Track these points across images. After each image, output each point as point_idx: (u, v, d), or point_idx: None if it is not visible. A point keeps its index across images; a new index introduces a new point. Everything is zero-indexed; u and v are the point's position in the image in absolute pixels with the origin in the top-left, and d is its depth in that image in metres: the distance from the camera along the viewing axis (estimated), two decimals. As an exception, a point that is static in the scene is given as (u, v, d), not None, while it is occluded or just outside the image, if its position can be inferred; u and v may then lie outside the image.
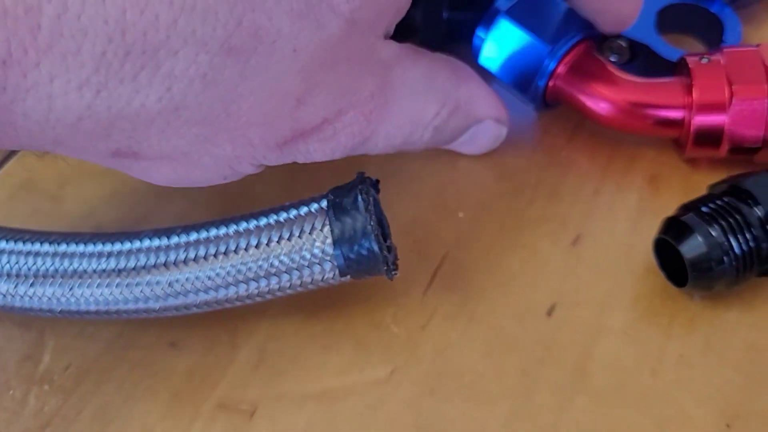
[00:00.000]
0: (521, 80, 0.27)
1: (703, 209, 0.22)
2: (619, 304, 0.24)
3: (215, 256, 0.21)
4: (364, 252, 0.20)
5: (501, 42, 0.26)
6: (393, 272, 0.21)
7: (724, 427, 0.21)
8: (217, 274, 0.21)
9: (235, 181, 0.21)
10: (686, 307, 0.23)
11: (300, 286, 0.21)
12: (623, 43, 0.29)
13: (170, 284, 0.21)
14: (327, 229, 0.20)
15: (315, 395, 0.22)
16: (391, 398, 0.22)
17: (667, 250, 0.23)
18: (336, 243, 0.20)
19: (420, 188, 0.27)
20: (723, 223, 0.21)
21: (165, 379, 0.23)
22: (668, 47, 0.28)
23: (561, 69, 0.26)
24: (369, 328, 0.24)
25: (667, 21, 0.29)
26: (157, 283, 0.21)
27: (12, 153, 0.28)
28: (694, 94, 0.25)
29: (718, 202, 0.22)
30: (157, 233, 0.22)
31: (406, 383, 0.23)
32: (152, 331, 0.24)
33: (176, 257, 0.21)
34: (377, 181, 0.22)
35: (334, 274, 0.21)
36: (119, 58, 0.15)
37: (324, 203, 0.21)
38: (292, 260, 0.21)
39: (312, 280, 0.21)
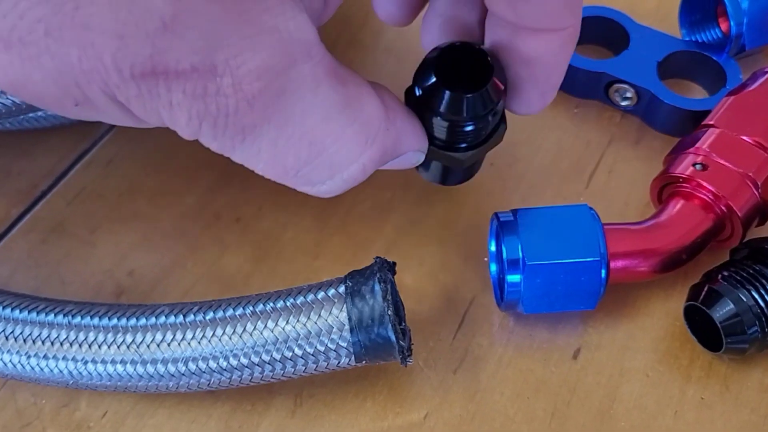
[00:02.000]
0: (582, 301, 0.24)
1: (730, 275, 0.23)
2: (639, 347, 0.25)
3: (230, 337, 0.21)
4: (381, 340, 0.21)
5: (543, 284, 0.23)
6: (408, 359, 0.22)
7: (745, 467, 0.22)
8: (234, 355, 0.21)
9: (265, 229, 0.21)
10: (704, 351, 0.24)
11: (315, 370, 0.21)
12: (629, 88, 0.30)
13: (185, 363, 0.21)
14: (344, 315, 0.21)
15: (352, 440, 0.23)
16: (426, 442, 0.23)
17: (695, 316, 0.24)
18: (353, 330, 0.21)
19: (446, 234, 0.27)
20: (751, 287, 0.23)
21: (203, 426, 0.23)
22: (670, 93, 0.29)
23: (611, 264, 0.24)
24: (402, 372, 0.24)
25: (671, 67, 0.31)
26: (173, 360, 0.21)
27: (41, 196, 0.28)
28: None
29: (745, 267, 0.23)
30: (173, 310, 0.22)
31: (439, 427, 0.23)
32: (188, 377, 0.24)
33: (193, 335, 0.21)
34: (394, 264, 0.22)
35: (349, 360, 0.21)
36: None
37: (342, 289, 0.21)
38: (310, 344, 0.21)
39: (327, 365, 0.21)
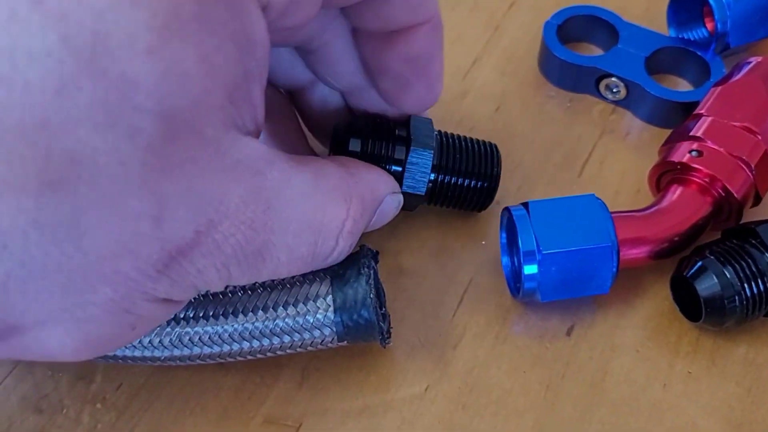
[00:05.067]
0: (596, 285, 0.25)
1: (717, 251, 0.24)
2: (630, 324, 0.26)
3: (224, 315, 0.22)
4: (362, 322, 0.22)
5: (558, 272, 0.24)
6: (387, 340, 0.23)
7: (730, 436, 0.23)
8: (225, 330, 0.22)
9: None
10: (691, 328, 0.26)
11: (301, 347, 0.23)
12: (618, 82, 0.32)
13: (179, 337, 0.22)
14: (330, 297, 0.22)
15: (356, 411, 0.24)
16: (426, 413, 0.24)
17: (681, 287, 0.25)
18: (336, 311, 0.22)
19: (445, 220, 0.29)
20: (736, 265, 0.24)
21: (214, 397, 0.24)
22: (657, 86, 0.31)
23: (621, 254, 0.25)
24: (404, 348, 0.25)
25: (658, 62, 0.32)
26: (166, 334, 0.22)
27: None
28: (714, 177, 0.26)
29: (733, 245, 0.24)
30: None
31: (439, 399, 0.24)
32: (199, 352, 0.25)
33: (185, 314, 0.22)
34: (377, 253, 0.24)
35: (333, 339, 0.23)
36: None
37: (329, 272, 0.22)
38: (296, 323, 0.22)
39: (312, 342, 0.23)
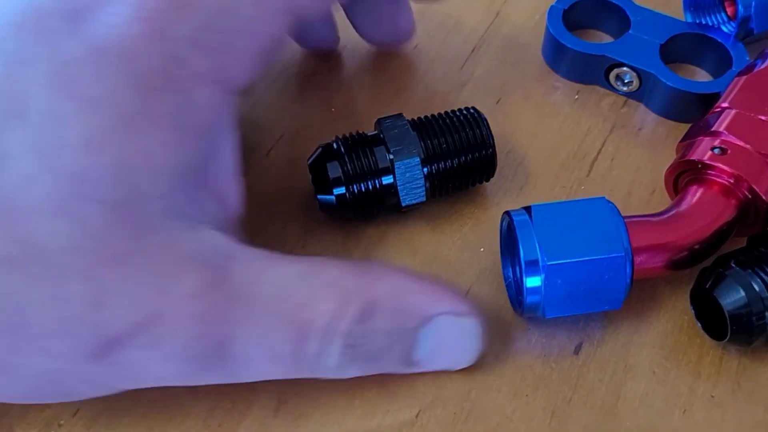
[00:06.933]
0: (607, 300, 0.22)
1: (743, 260, 0.22)
2: (645, 341, 0.23)
3: None
4: None
5: (565, 284, 0.22)
6: None
7: (759, 469, 0.21)
8: None
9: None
10: (714, 346, 0.23)
11: None
12: (630, 71, 0.29)
13: None
14: None
15: (338, 440, 0.22)
16: (418, 442, 0.21)
17: (702, 302, 0.23)
18: None
19: (439, 223, 0.26)
20: (765, 276, 0.21)
21: (180, 424, 0.22)
22: (673, 75, 0.28)
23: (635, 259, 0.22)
24: (392, 368, 0.23)
25: (674, 51, 0.30)
26: None
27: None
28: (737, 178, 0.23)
29: (760, 254, 0.22)
30: None
31: (432, 426, 0.22)
32: (165, 373, 0.23)
33: None
34: None
35: None
36: None
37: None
38: None
39: None
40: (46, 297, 0.17)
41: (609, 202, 0.23)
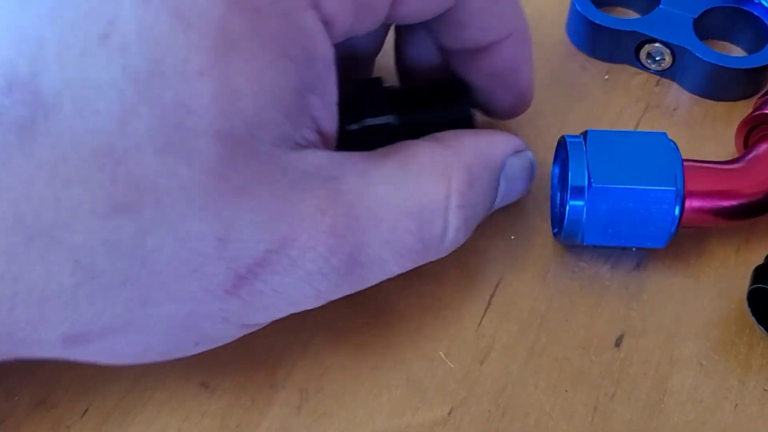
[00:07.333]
0: (650, 236, 0.21)
1: None
2: (690, 333, 0.22)
3: None
4: None
5: (609, 211, 0.21)
6: None
7: (819, 468, 0.19)
8: None
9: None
10: (764, 336, 0.22)
11: None
12: (662, 48, 0.27)
13: None
14: None
15: (366, 440, 0.20)
16: (450, 441, 0.20)
17: (758, 301, 0.21)
18: None
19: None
20: None
21: (197, 424, 0.21)
22: (710, 50, 0.27)
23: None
24: (421, 363, 0.21)
25: (707, 26, 0.28)
26: None
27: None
28: None
29: None
30: None
31: (465, 425, 0.20)
32: (179, 370, 0.21)
33: None
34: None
35: None
36: (25, 246, 0.15)
37: None
38: None
39: None
40: (168, 241, 0.16)
41: (671, 140, 0.22)
